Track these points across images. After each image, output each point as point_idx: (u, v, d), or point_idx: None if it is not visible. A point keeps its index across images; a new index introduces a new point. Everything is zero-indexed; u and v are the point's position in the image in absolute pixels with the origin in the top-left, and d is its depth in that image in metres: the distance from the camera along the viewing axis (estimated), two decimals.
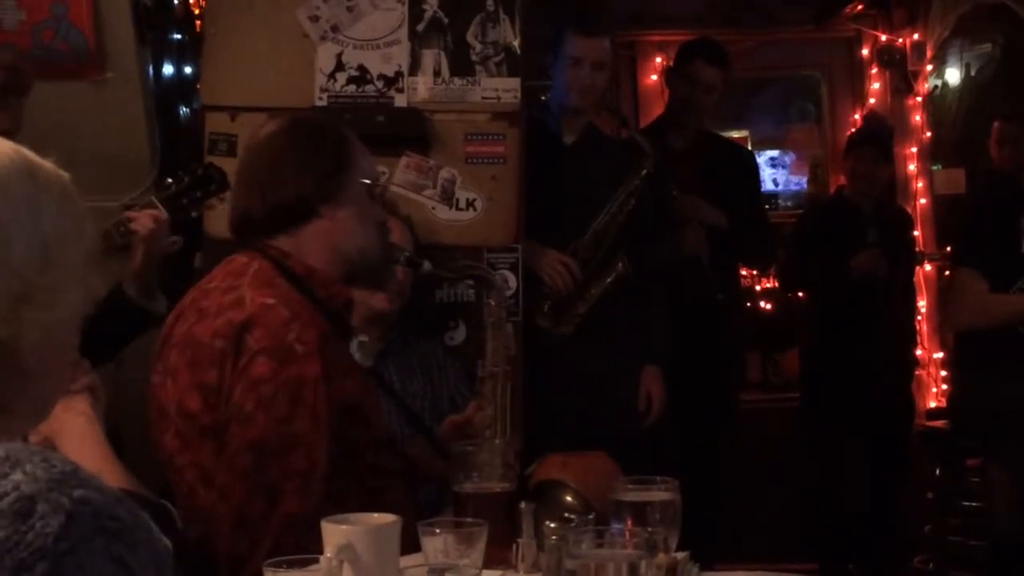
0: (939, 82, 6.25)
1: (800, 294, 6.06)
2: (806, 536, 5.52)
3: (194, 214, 3.57)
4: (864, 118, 6.38)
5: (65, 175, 1.31)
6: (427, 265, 2.93)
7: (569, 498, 2.38)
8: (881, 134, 5.76)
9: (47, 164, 1.30)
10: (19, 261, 1.21)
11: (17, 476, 1.05)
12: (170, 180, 3.48)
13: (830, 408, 5.40)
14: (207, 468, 2.31)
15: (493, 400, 2.59)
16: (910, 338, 5.78)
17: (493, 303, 2.67)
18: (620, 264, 4.19)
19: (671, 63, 5.23)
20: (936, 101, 6.26)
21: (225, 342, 2.30)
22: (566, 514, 2.19)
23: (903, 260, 5.51)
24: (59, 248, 1.26)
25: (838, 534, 5.45)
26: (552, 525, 1.98)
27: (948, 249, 5.72)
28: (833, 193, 5.95)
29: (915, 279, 5.96)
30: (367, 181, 2.54)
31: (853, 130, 6.11)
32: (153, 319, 3.16)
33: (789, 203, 6.76)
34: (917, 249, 6.00)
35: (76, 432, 2.04)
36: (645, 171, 4.29)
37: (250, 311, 2.31)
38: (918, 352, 6.03)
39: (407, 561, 1.97)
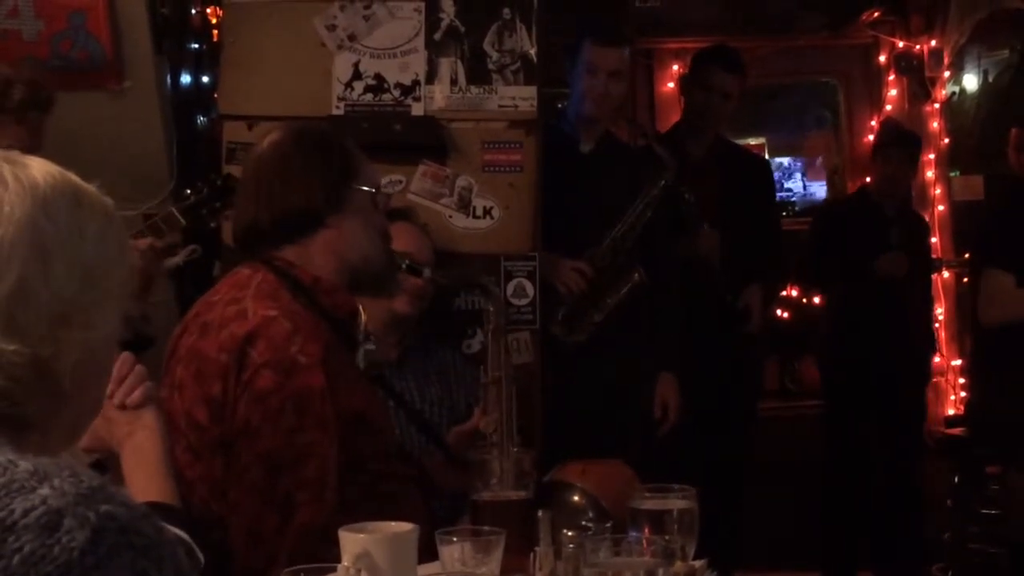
0: (956, 88, 6.23)
1: (816, 300, 6.05)
2: (820, 541, 5.50)
3: (212, 224, 3.59)
4: (882, 124, 6.36)
5: (109, 200, 1.32)
6: (427, 272, 2.94)
7: (576, 498, 2.38)
8: (910, 137, 5.76)
9: (92, 188, 1.31)
10: (60, 282, 1.22)
11: (45, 490, 1.06)
12: (189, 191, 3.50)
13: (847, 411, 5.40)
14: (218, 481, 2.31)
15: (498, 405, 2.60)
16: (928, 345, 5.76)
17: (492, 310, 2.68)
18: (636, 274, 4.20)
19: (687, 70, 5.23)
20: (954, 108, 6.25)
21: (229, 356, 2.30)
22: (575, 516, 2.20)
23: (921, 266, 5.50)
24: (100, 271, 1.27)
25: (846, 541, 5.44)
26: (569, 533, 1.98)
27: (966, 256, 5.70)
28: (855, 192, 5.93)
29: (932, 287, 5.94)
30: (371, 190, 2.54)
31: (882, 129, 6.08)
32: (142, 343, 3.12)
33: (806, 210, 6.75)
34: (934, 256, 5.99)
35: (138, 445, 2.07)
36: (664, 182, 4.29)
37: (253, 324, 2.32)
38: (936, 359, 6.01)
39: (424, 570, 1.97)
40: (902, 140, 5.58)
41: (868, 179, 5.70)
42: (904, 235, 5.36)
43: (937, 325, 6.08)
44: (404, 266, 2.81)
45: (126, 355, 2.08)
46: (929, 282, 5.80)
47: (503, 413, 2.57)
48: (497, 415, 2.58)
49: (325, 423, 2.28)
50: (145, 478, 2.04)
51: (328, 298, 2.46)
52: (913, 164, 5.59)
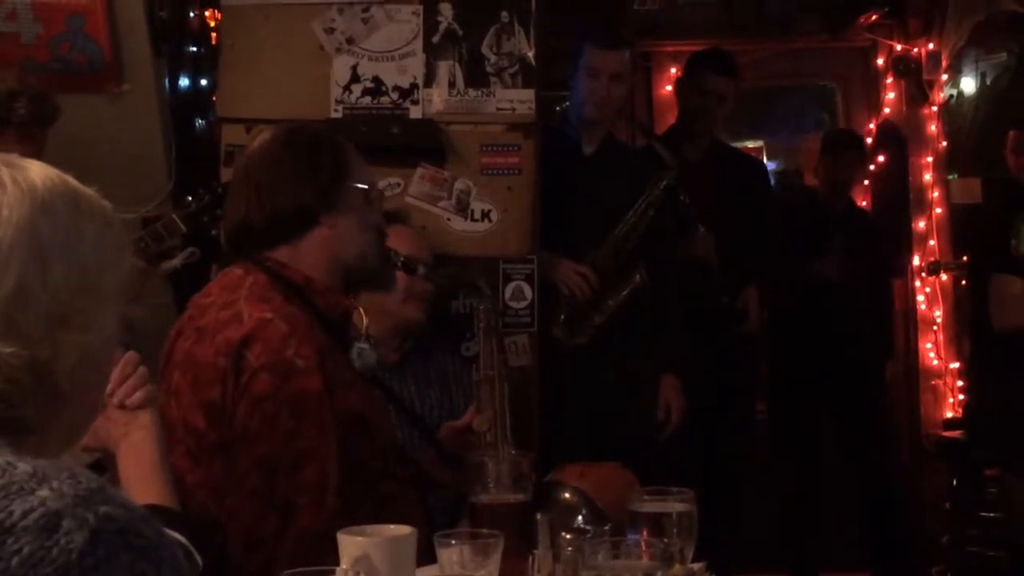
0: (954, 91, 6.23)
1: None
2: (787, 543, 5.52)
3: (213, 232, 3.59)
4: (878, 125, 6.36)
5: (108, 204, 1.33)
6: (421, 269, 2.94)
7: (567, 495, 2.38)
8: (859, 137, 5.81)
9: (91, 192, 1.32)
10: (58, 283, 1.23)
11: (44, 492, 1.06)
12: (190, 197, 3.50)
13: (790, 415, 5.42)
14: (217, 487, 2.31)
15: (491, 404, 2.61)
16: (879, 349, 5.73)
17: (483, 309, 2.70)
18: (638, 276, 4.19)
19: (682, 74, 5.23)
20: (952, 110, 6.24)
21: (226, 360, 2.29)
22: (570, 516, 2.20)
23: (867, 270, 5.48)
24: (98, 274, 1.27)
25: (813, 542, 5.45)
26: (568, 536, 1.98)
27: (964, 258, 5.71)
28: (803, 193, 5.96)
29: (890, 290, 5.93)
30: (364, 187, 2.54)
31: (827, 132, 6.09)
32: None
33: None
34: (932, 259, 6.00)
35: (135, 446, 2.07)
36: (665, 182, 4.29)
37: (248, 327, 2.31)
38: (936, 358, 6.01)
39: (423, 573, 1.97)
40: (850, 142, 5.62)
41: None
42: (847, 239, 5.36)
43: (935, 328, 6.08)
44: (400, 263, 2.81)
45: (131, 354, 2.08)
46: (883, 286, 5.79)
47: (496, 411, 2.58)
48: (490, 413, 2.59)
49: (324, 426, 2.28)
50: (142, 479, 2.04)
51: (321, 299, 2.46)
52: (862, 164, 5.63)
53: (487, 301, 2.74)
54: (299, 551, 2.19)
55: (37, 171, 1.27)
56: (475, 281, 2.83)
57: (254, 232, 2.47)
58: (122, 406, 2.07)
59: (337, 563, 1.85)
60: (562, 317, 4.14)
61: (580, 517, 2.30)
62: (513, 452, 2.48)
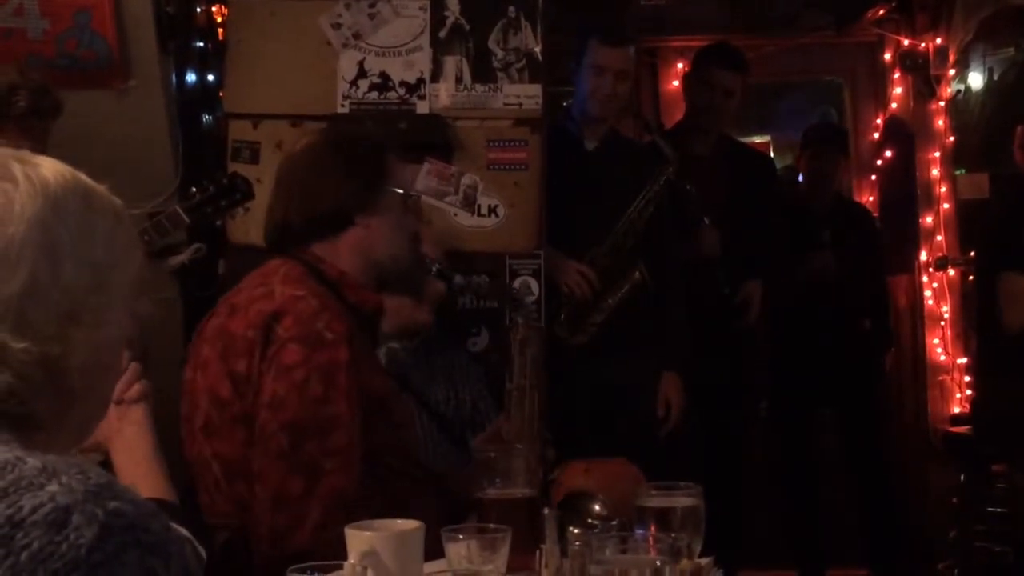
0: (962, 86, 6.21)
1: None
2: (790, 540, 5.51)
3: (217, 223, 3.58)
4: (885, 120, 6.35)
5: (118, 200, 1.33)
6: (457, 279, 2.96)
7: (597, 507, 2.38)
8: (839, 131, 5.78)
9: (102, 189, 1.32)
10: (69, 280, 1.23)
11: (53, 487, 1.06)
12: (194, 189, 3.50)
13: (790, 410, 5.42)
14: (233, 460, 2.36)
15: (520, 412, 2.63)
16: (878, 344, 5.72)
17: (521, 322, 2.71)
18: (637, 273, 4.19)
19: (690, 69, 5.22)
20: (959, 105, 6.22)
21: (255, 331, 2.35)
22: (590, 520, 2.20)
23: (859, 263, 5.47)
24: (109, 271, 1.27)
25: (817, 538, 5.45)
26: (576, 531, 1.98)
27: (972, 254, 5.69)
28: (787, 189, 5.95)
29: (886, 284, 5.92)
30: (401, 191, 2.58)
31: (807, 128, 6.08)
32: None
33: None
34: (940, 254, 5.99)
35: (128, 441, 2.07)
36: (665, 177, 4.28)
37: (280, 302, 2.38)
38: (943, 353, 6.01)
39: (431, 567, 1.97)
40: (830, 136, 5.62)
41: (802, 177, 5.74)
42: (837, 233, 5.35)
43: (944, 323, 6.08)
44: (434, 270, 2.83)
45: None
46: (879, 280, 5.78)
47: (524, 420, 2.60)
48: (519, 423, 2.61)
49: (350, 396, 2.33)
50: (138, 475, 2.04)
51: (353, 293, 2.51)
52: (845, 158, 5.62)
53: (525, 313, 2.76)
54: (332, 509, 2.24)
55: (49, 167, 1.27)
56: (512, 293, 2.84)
57: (293, 230, 2.54)
58: (118, 400, 2.08)
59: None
60: (562, 316, 4.14)
61: (593, 516, 2.30)
62: (518, 447, 2.48)
